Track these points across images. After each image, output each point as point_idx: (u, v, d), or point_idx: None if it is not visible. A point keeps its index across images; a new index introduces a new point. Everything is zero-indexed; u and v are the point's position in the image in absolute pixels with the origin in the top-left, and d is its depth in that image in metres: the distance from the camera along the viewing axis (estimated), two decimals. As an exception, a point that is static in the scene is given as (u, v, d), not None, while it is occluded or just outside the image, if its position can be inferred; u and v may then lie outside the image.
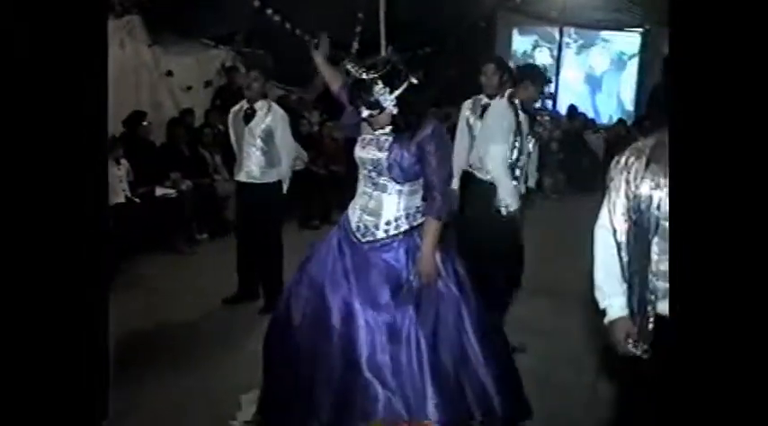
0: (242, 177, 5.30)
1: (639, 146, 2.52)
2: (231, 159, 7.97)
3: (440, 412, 3.00)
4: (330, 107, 11.30)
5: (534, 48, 15.61)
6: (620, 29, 14.87)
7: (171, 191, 7.14)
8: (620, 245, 2.49)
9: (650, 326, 2.42)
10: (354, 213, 3.29)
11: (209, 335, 4.87)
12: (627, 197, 2.45)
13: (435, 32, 12.39)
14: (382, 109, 3.06)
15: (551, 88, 13.01)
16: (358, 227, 3.25)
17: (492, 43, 14.51)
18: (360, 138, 3.30)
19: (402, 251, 3.21)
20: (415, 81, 3.10)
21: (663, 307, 2.37)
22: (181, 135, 7.73)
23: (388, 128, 3.17)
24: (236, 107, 5.42)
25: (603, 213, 2.55)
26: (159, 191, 7.07)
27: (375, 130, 3.20)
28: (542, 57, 15.08)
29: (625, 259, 2.48)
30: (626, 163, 2.48)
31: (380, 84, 3.01)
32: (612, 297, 2.53)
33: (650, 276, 2.41)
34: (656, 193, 2.36)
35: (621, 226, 2.47)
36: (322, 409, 3.07)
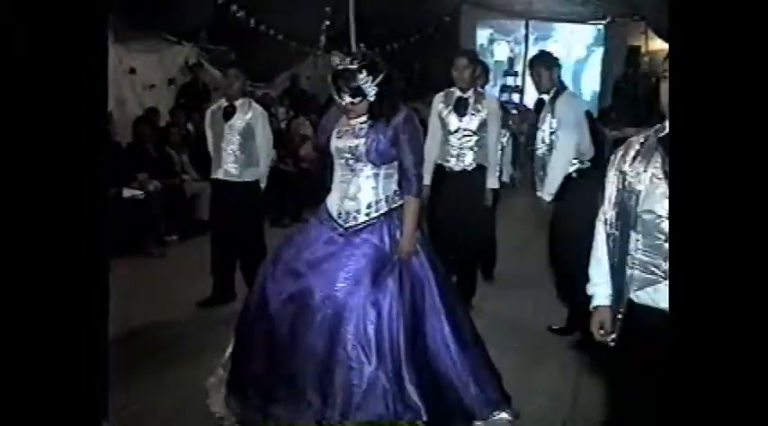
0: (220, 175, 5.21)
1: (634, 140, 2.55)
2: (199, 158, 7.92)
3: (417, 389, 3.18)
4: (296, 102, 11.25)
5: (491, 41, 15.67)
6: (583, 21, 14.98)
7: (139, 192, 6.96)
8: (608, 237, 2.53)
9: (618, 316, 2.48)
10: (334, 202, 3.46)
11: (187, 338, 4.74)
12: (617, 189, 2.48)
13: (402, 28, 12.35)
14: (365, 96, 3.28)
15: (518, 81, 13.10)
16: (339, 214, 3.43)
17: (456, 38, 14.52)
18: (335, 130, 3.47)
19: (385, 232, 3.40)
20: (388, 72, 3.35)
21: (639, 297, 2.39)
22: (147, 134, 7.56)
23: (363, 118, 3.38)
24: (215, 106, 5.37)
25: (601, 208, 2.58)
26: (127, 193, 6.89)
27: (351, 120, 3.40)
28: (501, 51, 15.18)
29: (611, 250, 2.52)
30: (620, 156, 2.50)
31: (364, 73, 3.25)
32: (598, 286, 2.58)
33: (627, 267, 2.44)
34: (638, 187, 2.38)
35: (611, 218, 2.51)
36: (306, 388, 3.21)
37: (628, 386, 2.64)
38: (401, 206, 3.43)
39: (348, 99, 3.29)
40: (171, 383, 4.02)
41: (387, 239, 3.39)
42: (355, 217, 3.40)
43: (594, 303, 2.58)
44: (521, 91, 12.74)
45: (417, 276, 3.41)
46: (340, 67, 3.30)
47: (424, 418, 3.15)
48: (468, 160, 5.24)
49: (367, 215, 3.40)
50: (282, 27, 10.47)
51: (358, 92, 3.27)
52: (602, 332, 2.54)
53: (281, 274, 3.41)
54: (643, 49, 14.49)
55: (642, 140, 2.46)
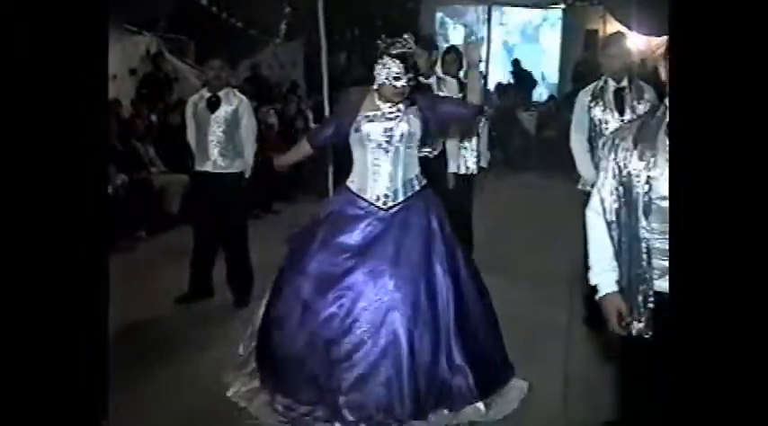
0: (207, 167, 5.08)
1: (626, 127, 2.57)
2: (165, 150, 7.76)
3: (463, 354, 3.46)
4: (259, 92, 11.08)
5: (442, 25, 15.62)
6: (543, 6, 15.02)
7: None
8: (609, 225, 2.51)
9: (650, 305, 2.44)
10: (366, 185, 3.62)
11: (169, 336, 4.63)
12: (614, 177, 2.47)
13: (364, 14, 12.26)
14: (414, 78, 3.60)
15: (481, 67, 13.08)
16: (377, 197, 3.60)
17: (416, 24, 14.45)
18: (362, 116, 3.59)
19: (422, 205, 3.62)
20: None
21: (661, 285, 2.38)
22: (111, 127, 7.34)
23: (389, 104, 3.57)
24: (196, 96, 5.24)
25: (593, 197, 2.57)
26: (93, 187, 6.67)
27: (381, 105, 3.59)
28: (456, 35, 15.16)
29: (615, 238, 2.50)
30: (612, 144, 2.49)
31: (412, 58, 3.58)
32: (602, 274, 2.55)
33: (643, 254, 2.42)
34: (645, 173, 2.36)
35: (610, 206, 2.49)
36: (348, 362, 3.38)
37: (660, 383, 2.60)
38: (427, 185, 3.71)
39: (401, 82, 3.48)
40: (159, 386, 3.93)
41: (424, 212, 3.61)
42: (394, 198, 3.59)
43: (602, 292, 2.54)
44: (484, 76, 12.71)
45: (454, 248, 3.65)
46: (394, 51, 3.48)
47: (471, 381, 3.45)
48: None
49: (404, 194, 3.60)
50: (243, 15, 10.32)
51: (408, 75, 3.50)
52: (622, 322, 2.49)
53: (324, 257, 3.55)
54: (601, 33, 14.57)
55: (639, 125, 2.45)
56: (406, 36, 3.57)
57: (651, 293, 2.43)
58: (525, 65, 14.99)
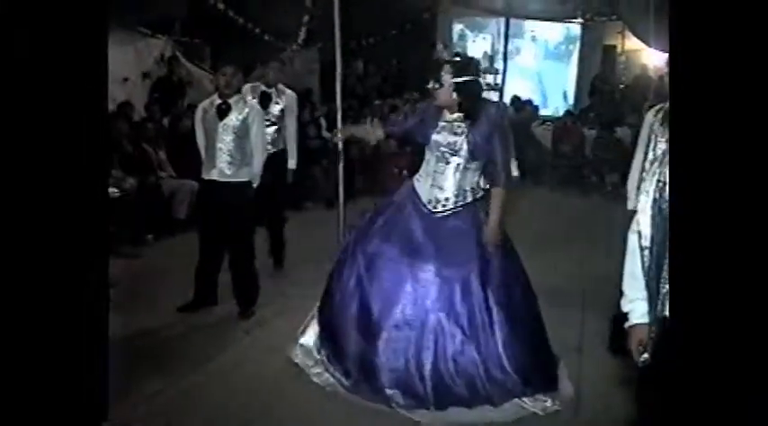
0: (213, 175, 4.98)
1: (666, 149, 2.48)
2: (176, 155, 7.69)
3: (508, 354, 3.72)
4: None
5: (461, 37, 15.55)
6: (560, 20, 14.92)
7: (114, 190, 6.69)
8: (643, 249, 2.41)
9: (652, 335, 2.38)
10: (424, 188, 3.95)
11: (171, 346, 4.56)
12: (655, 201, 2.37)
13: (379, 23, 12.20)
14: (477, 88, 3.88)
15: (498, 79, 12.96)
16: (429, 201, 3.93)
17: (433, 35, 14.38)
18: (433, 126, 3.91)
19: (469, 219, 3.87)
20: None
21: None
22: (122, 130, 7.29)
23: (459, 114, 3.85)
24: (206, 102, 5.13)
25: (635, 219, 2.47)
26: (102, 190, 6.61)
27: (448, 116, 3.88)
28: (476, 48, 15.08)
29: (647, 264, 2.40)
30: (658, 166, 2.44)
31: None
32: (634, 302, 2.46)
33: (662, 281, 2.33)
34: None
35: (646, 230, 2.40)
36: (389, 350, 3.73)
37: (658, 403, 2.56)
38: (482, 197, 3.91)
39: (447, 90, 3.77)
40: (157, 396, 3.85)
41: (468, 225, 3.88)
42: (444, 205, 3.90)
43: (632, 321, 2.45)
44: (500, 89, 12.60)
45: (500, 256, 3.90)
46: (447, 58, 3.81)
47: (511, 378, 3.70)
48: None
49: (455, 203, 3.89)
50: (260, 20, 10.27)
51: (460, 80, 3.77)
52: (641, 350, 2.40)
53: (378, 242, 3.95)
54: (619, 49, 14.48)
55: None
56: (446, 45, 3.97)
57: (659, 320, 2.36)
58: (546, 80, 14.93)
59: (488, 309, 3.75)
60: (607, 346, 4.54)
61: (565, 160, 11.44)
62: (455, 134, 3.84)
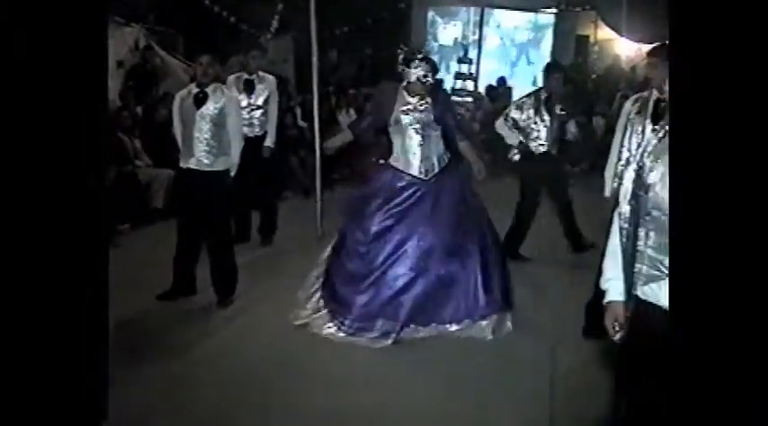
0: (191, 164, 4.98)
1: (651, 136, 2.56)
2: (151, 144, 7.67)
3: (487, 280, 4.68)
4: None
5: (432, 24, 15.59)
6: (535, 10, 15.01)
7: (90, 180, 6.65)
8: (621, 230, 2.50)
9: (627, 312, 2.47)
10: (411, 162, 4.76)
11: (152, 335, 4.57)
12: (633, 182, 2.45)
13: (354, 12, 12.18)
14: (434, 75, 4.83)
15: (472, 69, 13.04)
16: (420, 170, 4.76)
17: (408, 24, 14.42)
18: (398, 110, 4.75)
19: (453, 173, 4.81)
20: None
21: (645, 292, 2.38)
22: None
23: (417, 97, 4.74)
24: (184, 91, 5.14)
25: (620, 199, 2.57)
26: (77, 179, 6.57)
27: (411, 100, 4.75)
28: (447, 35, 15.14)
29: (625, 244, 2.49)
30: (640, 151, 2.49)
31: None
32: (610, 281, 2.55)
33: (636, 262, 2.41)
34: (649, 180, 2.35)
35: (625, 211, 2.49)
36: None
37: (631, 383, 2.64)
38: (450, 160, 4.84)
39: (429, 81, 4.72)
40: (137, 385, 3.86)
41: (456, 180, 4.81)
42: (432, 170, 4.76)
43: (608, 298, 2.55)
44: (475, 78, 12.68)
45: (478, 204, 4.90)
46: (420, 56, 4.75)
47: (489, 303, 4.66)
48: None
49: (439, 166, 4.78)
50: (234, 9, 10.22)
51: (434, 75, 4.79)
52: (616, 328, 2.50)
53: (379, 217, 4.70)
54: (592, 39, 14.61)
55: (661, 135, 2.44)
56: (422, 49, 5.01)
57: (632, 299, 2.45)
58: (517, 69, 15.03)
59: (472, 243, 4.70)
60: (582, 331, 4.63)
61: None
62: (420, 112, 4.74)
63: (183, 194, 5.25)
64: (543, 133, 6.34)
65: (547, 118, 6.30)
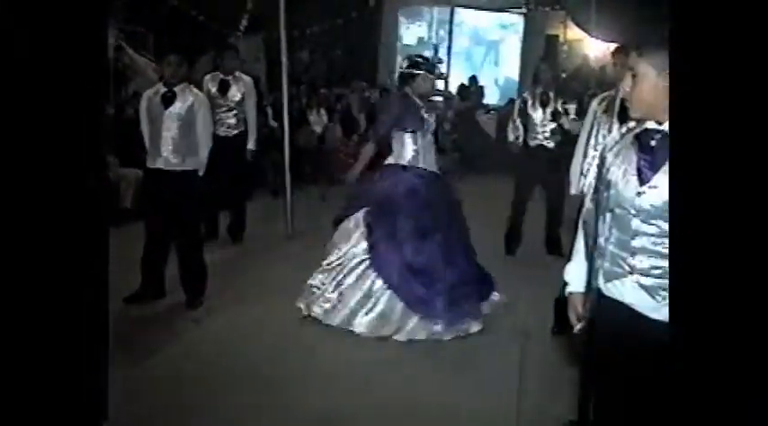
0: (159, 164, 4.95)
1: (615, 134, 2.58)
2: (119, 144, 7.58)
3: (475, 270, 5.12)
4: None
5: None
6: (503, 10, 15.08)
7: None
8: (585, 224, 2.58)
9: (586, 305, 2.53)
10: (425, 160, 5.09)
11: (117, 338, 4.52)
12: (595, 180, 2.54)
13: (325, 11, 12.16)
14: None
15: (443, 68, 13.06)
16: (439, 167, 5.25)
17: (378, 24, 14.42)
18: (418, 112, 5.06)
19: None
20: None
21: (608, 289, 2.42)
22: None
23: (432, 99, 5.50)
24: (151, 91, 5.10)
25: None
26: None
27: (421, 102, 5.12)
28: (411, 34, 15.17)
29: (586, 239, 2.56)
30: (603, 151, 2.52)
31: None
32: (574, 272, 2.62)
33: (597, 257, 2.46)
34: (612, 178, 2.38)
35: (589, 208, 2.56)
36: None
37: (596, 379, 2.68)
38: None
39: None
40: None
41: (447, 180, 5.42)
42: (440, 167, 5.26)
43: (569, 289, 2.63)
44: (445, 78, 12.69)
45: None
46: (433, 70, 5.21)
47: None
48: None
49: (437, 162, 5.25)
50: (204, 7, 10.16)
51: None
52: (577, 319, 2.57)
53: (388, 202, 4.94)
54: (561, 38, 14.70)
55: (624, 131, 2.49)
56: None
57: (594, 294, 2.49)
58: (485, 69, 15.07)
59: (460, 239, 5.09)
60: (551, 328, 4.67)
61: (508, 148, 11.58)
62: (430, 115, 5.12)
63: (150, 194, 5.19)
64: (539, 126, 6.58)
65: (540, 111, 6.57)
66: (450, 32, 11.30)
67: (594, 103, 4.63)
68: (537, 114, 6.61)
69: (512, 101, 13.39)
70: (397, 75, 5.88)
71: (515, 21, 15.64)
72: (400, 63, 5.48)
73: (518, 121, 6.76)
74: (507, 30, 15.81)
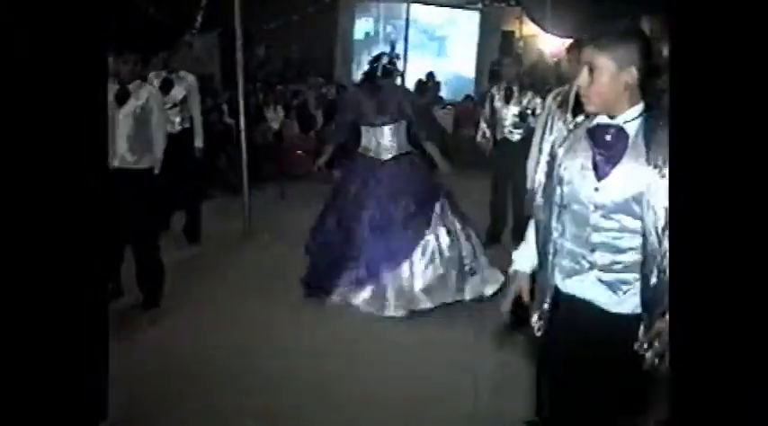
0: (114, 163, 4.84)
1: (562, 128, 2.62)
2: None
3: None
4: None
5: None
6: (461, 6, 15.16)
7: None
8: (537, 222, 2.56)
9: (546, 306, 2.51)
10: (374, 149, 5.41)
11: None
12: (546, 175, 2.51)
13: (281, 8, 12.10)
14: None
15: (400, 64, 13.09)
16: (381, 154, 5.40)
17: (335, 19, 14.39)
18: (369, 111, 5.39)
19: (409, 160, 5.47)
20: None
21: (567, 285, 2.45)
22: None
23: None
24: None
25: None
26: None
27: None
28: (358, 29, 15.19)
29: (537, 235, 2.55)
30: (552, 144, 2.53)
31: None
32: (520, 254, 2.66)
33: (552, 254, 2.47)
34: (566, 176, 2.40)
35: (538, 204, 2.54)
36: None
37: (553, 377, 2.70)
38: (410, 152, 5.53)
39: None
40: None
41: (413, 166, 5.46)
42: (392, 152, 5.40)
43: (514, 266, 2.65)
44: (402, 74, 12.72)
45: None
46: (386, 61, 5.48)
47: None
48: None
49: (398, 150, 5.42)
50: (158, 5, 10.04)
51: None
52: (513, 296, 2.61)
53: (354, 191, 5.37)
54: (517, 34, 14.82)
55: (571, 127, 2.49)
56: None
57: (550, 292, 2.49)
58: (440, 65, 15.14)
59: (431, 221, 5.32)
60: (507, 324, 4.71)
61: (466, 143, 11.67)
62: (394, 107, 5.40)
63: (105, 194, 5.08)
64: (509, 120, 6.75)
65: (505, 106, 6.77)
66: (407, 28, 11.31)
67: (549, 98, 4.67)
68: (503, 110, 6.76)
69: (468, 97, 13.54)
70: (361, 72, 6.20)
71: (465, 17, 15.72)
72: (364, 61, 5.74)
73: (488, 118, 6.95)
74: (456, 26, 15.87)
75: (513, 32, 14.93)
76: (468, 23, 15.81)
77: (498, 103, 6.83)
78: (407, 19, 11.51)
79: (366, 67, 5.64)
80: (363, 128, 5.44)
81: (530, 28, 14.01)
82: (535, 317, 2.55)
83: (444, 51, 16.06)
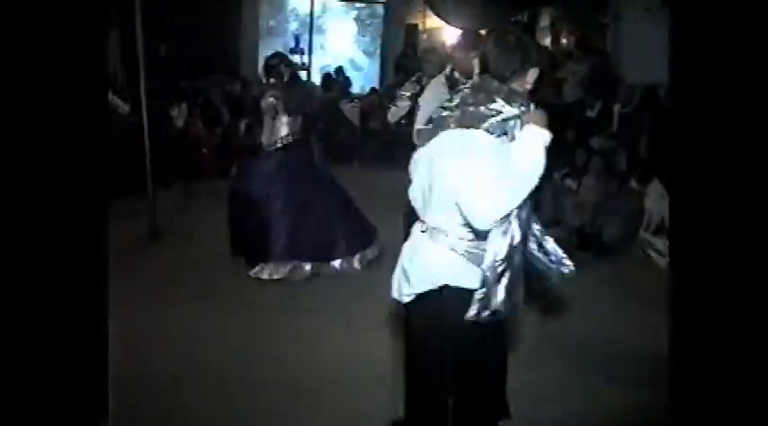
0: None
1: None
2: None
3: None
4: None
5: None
6: (363, 0, 15.23)
7: None
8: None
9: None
10: (273, 137, 6.13)
11: None
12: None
13: (185, 5, 11.91)
14: None
15: (305, 59, 13.08)
16: (280, 141, 6.13)
17: (239, 17, 14.24)
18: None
19: (303, 147, 6.34)
20: None
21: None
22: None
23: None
24: None
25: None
26: None
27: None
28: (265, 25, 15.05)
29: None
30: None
31: None
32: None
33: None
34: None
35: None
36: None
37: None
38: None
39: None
40: None
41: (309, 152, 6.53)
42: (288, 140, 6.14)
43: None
44: (308, 68, 12.72)
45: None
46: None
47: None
48: None
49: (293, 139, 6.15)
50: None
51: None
52: None
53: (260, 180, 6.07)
54: (421, 27, 14.99)
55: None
56: None
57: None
58: (345, 58, 15.20)
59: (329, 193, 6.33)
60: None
61: (373, 136, 11.79)
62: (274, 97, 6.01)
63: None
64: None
65: None
66: (312, 22, 11.31)
67: (432, 82, 4.86)
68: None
69: (374, 90, 13.63)
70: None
71: (376, 10, 15.80)
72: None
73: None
74: (369, 19, 15.92)
75: (416, 25, 15.09)
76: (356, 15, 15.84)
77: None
78: (311, 13, 11.53)
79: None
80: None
81: (433, 21, 14.19)
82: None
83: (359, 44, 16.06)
